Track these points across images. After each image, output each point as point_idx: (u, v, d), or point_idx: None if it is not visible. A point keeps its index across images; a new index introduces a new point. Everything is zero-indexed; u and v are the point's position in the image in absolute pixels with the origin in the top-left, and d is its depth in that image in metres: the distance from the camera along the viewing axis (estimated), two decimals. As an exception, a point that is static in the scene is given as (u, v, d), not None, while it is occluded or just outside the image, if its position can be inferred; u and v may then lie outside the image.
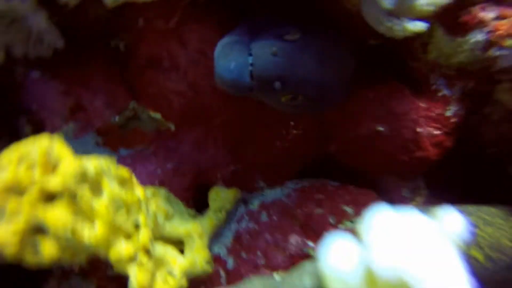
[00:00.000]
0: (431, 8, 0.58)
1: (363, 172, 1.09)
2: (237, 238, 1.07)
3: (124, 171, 0.79)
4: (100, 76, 1.13)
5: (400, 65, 0.97)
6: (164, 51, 1.03)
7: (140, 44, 1.06)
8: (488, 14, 0.68)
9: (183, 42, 1.03)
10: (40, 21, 0.91)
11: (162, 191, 1.01)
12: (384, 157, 0.99)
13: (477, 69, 0.85)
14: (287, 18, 0.80)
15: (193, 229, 0.99)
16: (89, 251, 0.73)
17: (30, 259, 0.67)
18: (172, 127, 1.17)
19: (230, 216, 1.13)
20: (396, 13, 0.59)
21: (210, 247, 1.09)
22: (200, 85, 1.04)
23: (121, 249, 0.76)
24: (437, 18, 0.72)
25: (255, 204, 1.12)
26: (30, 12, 0.89)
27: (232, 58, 0.67)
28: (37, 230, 0.65)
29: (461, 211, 0.78)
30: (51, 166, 0.65)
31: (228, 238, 1.09)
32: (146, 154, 1.20)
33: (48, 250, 0.66)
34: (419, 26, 0.58)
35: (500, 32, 0.74)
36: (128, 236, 0.78)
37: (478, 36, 0.71)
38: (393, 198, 1.07)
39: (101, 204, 0.71)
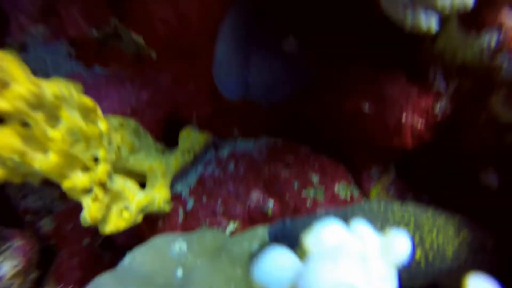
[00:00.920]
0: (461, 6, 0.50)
1: (339, 144, 1.07)
2: (201, 181, 1.07)
3: (88, 101, 0.74)
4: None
5: (405, 49, 0.89)
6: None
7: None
8: (510, 19, 0.61)
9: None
10: None
11: (132, 123, 0.97)
12: (361, 136, 0.96)
13: (479, 72, 0.79)
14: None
15: (157, 166, 0.98)
16: (41, 176, 0.71)
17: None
18: (154, 55, 1.08)
19: (198, 158, 1.12)
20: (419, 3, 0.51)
21: (173, 185, 1.09)
22: (189, 17, 0.94)
23: (76, 180, 0.74)
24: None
25: (225, 152, 1.10)
26: None
27: (232, 81, 0.74)
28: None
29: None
30: (1, 85, 0.59)
31: (192, 180, 1.08)
32: (122, 77, 1.12)
33: (-5, 171, 0.64)
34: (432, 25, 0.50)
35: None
36: (85, 168, 0.76)
37: (492, 38, 0.65)
38: (361, 177, 1.07)
39: (56, 133, 0.67)
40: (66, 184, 0.72)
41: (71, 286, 1.29)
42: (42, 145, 0.66)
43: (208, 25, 0.90)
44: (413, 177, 1.11)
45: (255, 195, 1.00)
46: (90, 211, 0.76)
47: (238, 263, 0.71)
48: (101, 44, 1.11)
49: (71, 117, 0.69)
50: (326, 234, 0.42)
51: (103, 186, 0.78)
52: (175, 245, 0.79)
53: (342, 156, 1.07)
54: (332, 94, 0.94)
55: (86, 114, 0.74)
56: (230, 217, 1.00)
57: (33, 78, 0.64)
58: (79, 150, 0.73)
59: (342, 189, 0.99)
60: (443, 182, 1.08)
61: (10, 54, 0.59)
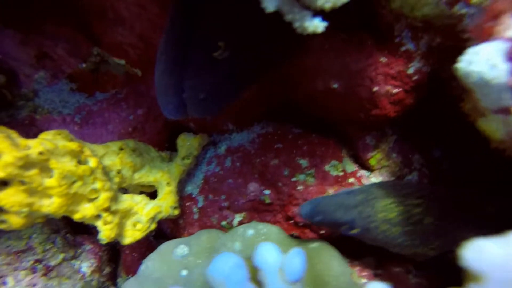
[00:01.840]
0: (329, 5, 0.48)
1: (327, 121, 1.06)
2: (206, 180, 1.16)
3: (73, 145, 0.85)
4: (56, 24, 1.09)
5: (368, 12, 0.84)
6: (107, 1, 0.95)
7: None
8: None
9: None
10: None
11: (130, 143, 1.08)
12: (340, 113, 0.95)
13: (444, 23, 0.72)
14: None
15: (161, 177, 1.09)
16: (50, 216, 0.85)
17: (5, 227, 0.81)
18: (139, 73, 1.16)
19: (200, 159, 1.20)
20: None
21: (184, 187, 1.20)
22: (147, 37, 0.98)
23: (84, 211, 0.87)
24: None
25: (222, 148, 1.17)
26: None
27: (169, 101, 0.73)
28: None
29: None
30: (-5, 159, 0.72)
31: (199, 179, 1.18)
32: (119, 98, 1.23)
33: (15, 221, 0.79)
34: (318, 25, 0.48)
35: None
36: (90, 200, 0.89)
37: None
38: (358, 146, 1.06)
39: (52, 181, 0.80)
40: (76, 217, 0.86)
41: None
42: (44, 193, 0.80)
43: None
44: (417, 136, 1.07)
45: (252, 187, 1.06)
46: (104, 232, 0.91)
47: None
48: (94, 72, 1.21)
49: (60, 165, 0.81)
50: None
51: (108, 210, 0.91)
52: (178, 249, 0.90)
53: (334, 131, 1.06)
54: (300, 78, 0.93)
55: (76, 155, 0.86)
56: (235, 210, 1.08)
57: (20, 141, 0.77)
58: (78, 188, 0.85)
59: (333, 168, 1.01)
60: (449, 135, 1.02)
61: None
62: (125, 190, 1.12)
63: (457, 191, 0.87)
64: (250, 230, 0.83)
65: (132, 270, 1.61)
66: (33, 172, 0.77)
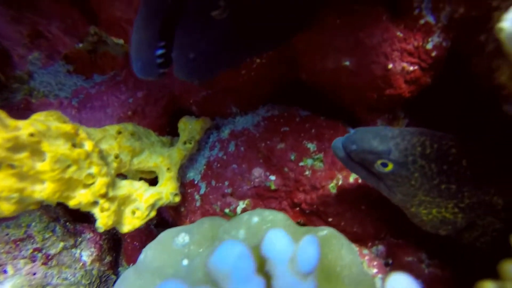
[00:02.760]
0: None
1: (337, 101, 1.00)
2: (209, 165, 1.11)
3: (67, 127, 0.80)
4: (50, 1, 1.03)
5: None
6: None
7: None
8: None
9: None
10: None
11: (129, 126, 1.02)
12: (351, 93, 0.89)
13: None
14: None
15: (161, 162, 1.04)
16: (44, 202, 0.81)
17: (-5, 213, 0.76)
18: (138, 53, 1.10)
19: (202, 143, 1.15)
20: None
21: (185, 172, 1.15)
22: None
23: (80, 197, 0.83)
24: None
25: (225, 132, 1.11)
26: None
27: (140, 57, 0.65)
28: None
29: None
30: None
31: (201, 165, 1.13)
32: (118, 81, 1.17)
33: (5, 207, 0.75)
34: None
35: None
36: (86, 186, 0.84)
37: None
38: (368, 128, 1.00)
39: (44, 165, 0.75)
40: (72, 203, 0.82)
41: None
42: (36, 178, 0.75)
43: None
44: (430, 119, 1.01)
45: (257, 172, 1.01)
46: (101, 220, 0.86)
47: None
48: (92, 53, 1.16)
49: (54, 148, 0.76)
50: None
51: (105, 196, 0.86)
52: (178, 237, 0.86)
53: (343, 113, 1.00)
54: (308, 55, 0.87)
55: (71, 138, 0.81)
56: (239, 197, 1.04)
57: (9, 121, 0.72)
58: (73, 172, 0.81)
59: (342, 151, 0.95)
60: (463, 118, 0.96)
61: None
62: (124, 177, 1.07)
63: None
64: (255, 217, 0.78)
65: (133, 259, 1.58)
66: (23, 155, 0.72)
